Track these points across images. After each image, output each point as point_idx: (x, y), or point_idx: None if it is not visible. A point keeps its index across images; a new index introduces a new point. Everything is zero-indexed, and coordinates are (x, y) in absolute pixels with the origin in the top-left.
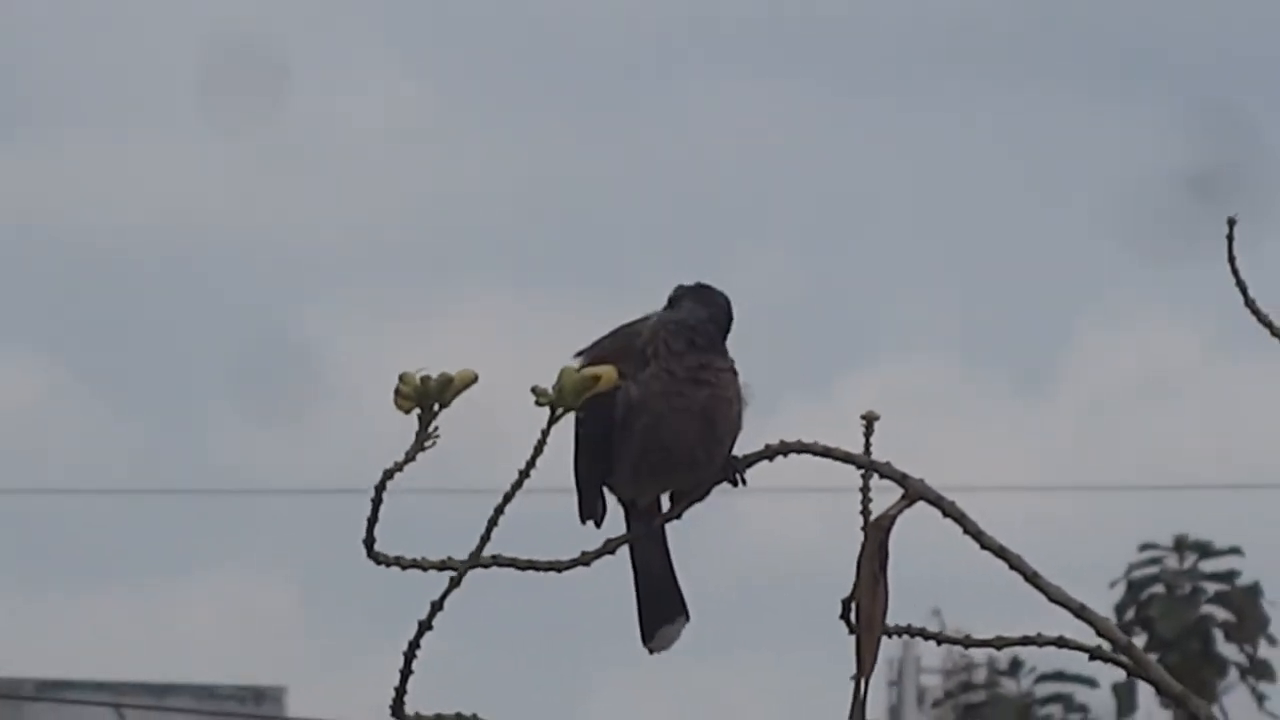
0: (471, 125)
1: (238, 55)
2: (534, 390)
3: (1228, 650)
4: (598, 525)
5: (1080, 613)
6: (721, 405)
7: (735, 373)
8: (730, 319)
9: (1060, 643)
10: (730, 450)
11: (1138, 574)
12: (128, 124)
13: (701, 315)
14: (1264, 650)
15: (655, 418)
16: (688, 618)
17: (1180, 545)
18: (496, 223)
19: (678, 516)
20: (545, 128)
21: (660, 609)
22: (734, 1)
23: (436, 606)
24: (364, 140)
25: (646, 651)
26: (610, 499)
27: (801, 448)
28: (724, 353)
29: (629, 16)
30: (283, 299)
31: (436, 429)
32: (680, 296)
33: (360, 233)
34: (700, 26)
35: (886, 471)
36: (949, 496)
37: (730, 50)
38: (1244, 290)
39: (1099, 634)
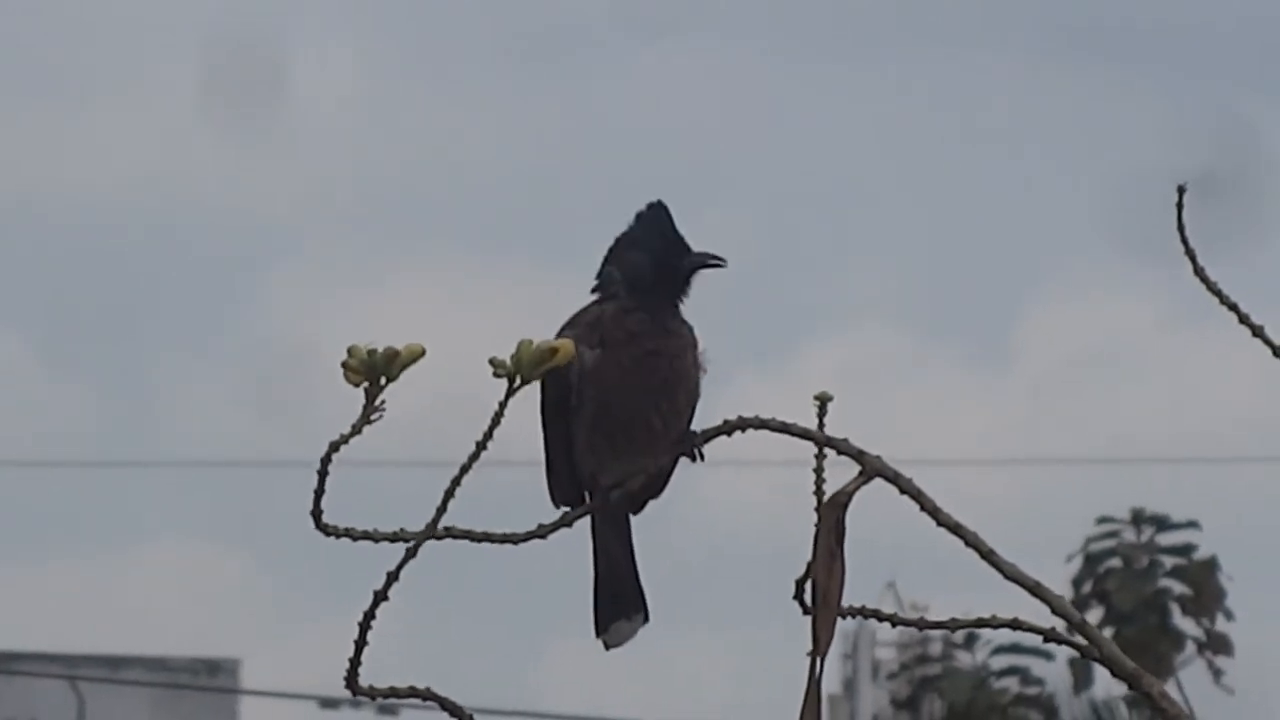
0: (424, 96)
1: (192, 34)
2: (492, 362)
3: (1185, 624)
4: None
5: (1035, 590)
6: (679, 377)
7: (693, 340)
8: (672, 245)
9: (1014, 625)
10: (689, 421)
11: (1095, 547)
12: (77, 99)
13: (644, 267)
14: (1221, 624)
15: (605, 390)
16: (647, 618)
17: (1137, 518)
18: (453, 192)
19: (632, 495)
20: (499, 98)
21: (618, 602)
22: None
23: (392, 577)
24: (316, 112)
25: (601, 644)
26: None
27: (759, 423)
28: (677, 315)
29: None
30: (235, 271)
31: (383, 402)
32: (619, 253)
33: (315, 204)
34: None
35: (844, 448)
36: (906, 471)
37: (684, 18)
38: (1193, 259)
39: (1054, 612)
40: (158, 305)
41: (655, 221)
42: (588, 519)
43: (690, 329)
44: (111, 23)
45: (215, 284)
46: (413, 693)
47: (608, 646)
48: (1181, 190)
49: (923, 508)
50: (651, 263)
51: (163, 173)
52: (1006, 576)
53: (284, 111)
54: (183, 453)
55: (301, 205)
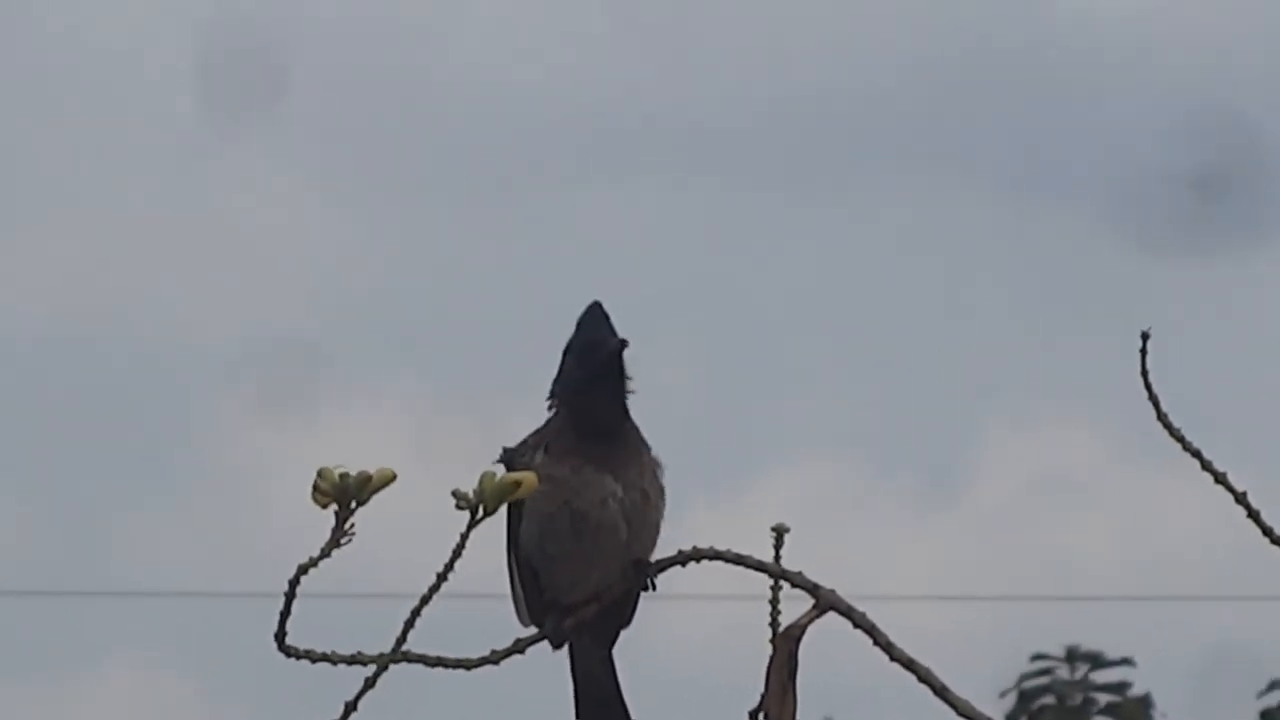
0: (361, 225)
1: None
2: (454, 494)
3: None
4: (557, 646)
5: None
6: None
7: (646, 452)
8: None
9: None
10: (650, 548)
11: (1029, 684)
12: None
13: (573, 369)
14: None
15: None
16: None
17: (1072, 656)
18: (388, 323)
19: (589, 625)
20: (438, 229)
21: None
22: (630, 100)
23: (350, 707)
24: (252, 237)
25: None
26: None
27: (714, 554)
28: (623, 425)
29: (525, 118)
30: (177, 397)
31: (353, 525)
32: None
33: (254, 330)
34: (594, 126)
35: (798, 581)
36: (860, 606)
37: (631, 156)
38: (1156, 405)
39: None
40: (97, 425)
41: (585, 323)
42: (568, 646)
43: (639, 434)
44: (39, 142)
45: (166, 410)
46: None
47: None
48: (1145, 337)
49: (876, 642)
50: (578, 363)
51: (110, 295)
52: (960, 713)
53: (232, 239)
54: (133, 583)
55: (250, 333)
